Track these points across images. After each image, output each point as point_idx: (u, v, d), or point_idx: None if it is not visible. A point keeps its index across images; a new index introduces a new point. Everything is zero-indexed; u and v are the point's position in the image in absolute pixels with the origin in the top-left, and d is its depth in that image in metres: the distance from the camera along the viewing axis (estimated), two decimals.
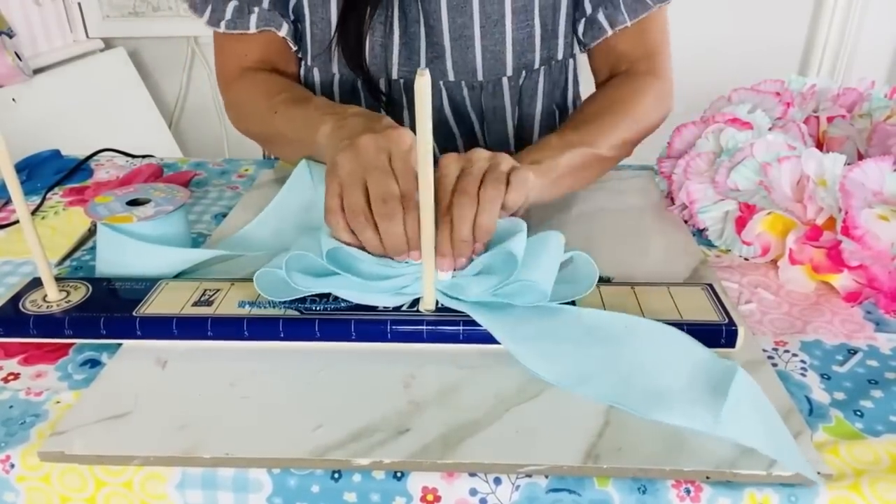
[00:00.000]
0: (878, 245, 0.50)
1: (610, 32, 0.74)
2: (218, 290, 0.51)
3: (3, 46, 1.41)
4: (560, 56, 0.79)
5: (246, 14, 0.72)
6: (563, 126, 0.68)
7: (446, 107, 0.79)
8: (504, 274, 0.48)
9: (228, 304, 0.49)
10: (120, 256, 0.55)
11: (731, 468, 0.38)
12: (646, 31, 0.75)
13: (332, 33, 0.73)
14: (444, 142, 0.82)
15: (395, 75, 0.76)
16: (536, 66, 0.78)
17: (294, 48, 0.76)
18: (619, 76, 0.77)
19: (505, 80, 0.77)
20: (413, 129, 0.76)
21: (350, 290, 0.49)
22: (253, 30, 0.72)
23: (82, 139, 1.39)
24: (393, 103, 0.78)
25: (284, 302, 0.49)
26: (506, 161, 0.54)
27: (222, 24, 0.72)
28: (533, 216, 0.67)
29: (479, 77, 0.76)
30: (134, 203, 0.58)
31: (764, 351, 0.48)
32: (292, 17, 0.75)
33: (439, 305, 0.49)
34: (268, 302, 0.49)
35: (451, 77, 0.76)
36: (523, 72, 0.77)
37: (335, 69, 0.77)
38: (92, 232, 0.66)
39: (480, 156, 0.53)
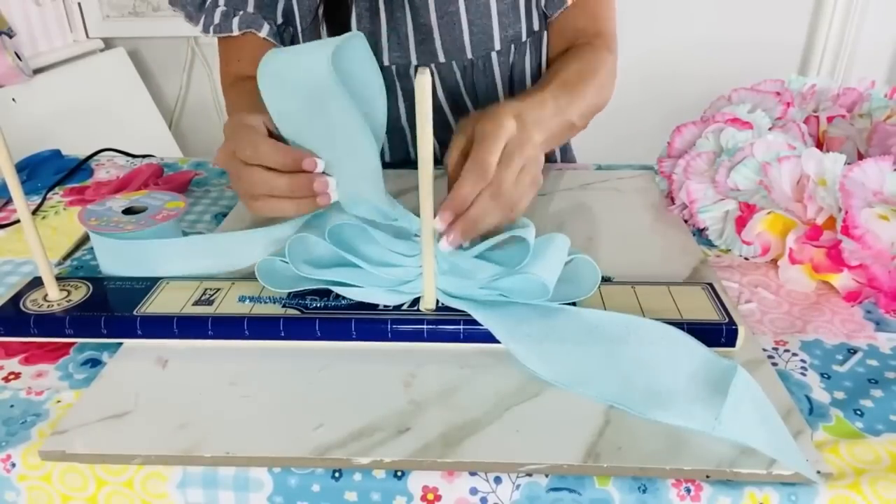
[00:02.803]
0: (878, 244, 0.51)
1: (569, 2, 0.77)
2: (218, 290, 0.51)
3: (3, 46, 1.41)
4: (537, 28, 0.80)
5: (231, 17, 0.75)
6: (552, 84, 0.68)
7: (440, 93, 0.79)
8: (510, 264, 0.48)
9: (229, 304, 0.50)
10: (123, 259, 0.55)
11: (732, 467, 0.38)
12: (599, 8, 0.79)
13: (320, 23, 0.74)
14: (441, 132, 0.82)
15: (386, 62, 0.76)
16: (524, 38, 0.78)
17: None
18: (579, 46, 0.79)
19: (494, 55, 0.78)
20: (410, 116, 0.76)
21: (351, 280, 0.49)
22: (236, 32, 0.75)
23: (82, 139, 1.39)
24: (388, 91, 0.78)
25: (285, 297, 0.49)
26: (533, 167, 0.54)
27: (211, 28, 0.76)
28: (533, 217, 0.67)
29: (469, 55, 0.76)
30: (129, 212, 0.58)
31: (764, 350, 0.48)
32: (281, 20, 0.77)
33: (440, 304, 0.49)
34: (269, 297, 0.49)
35: (442, 58, 0.76)
36: (511, 46, 0.78)
37: None
38: None
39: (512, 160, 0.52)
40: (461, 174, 0.50)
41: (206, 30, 0.76)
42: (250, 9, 0.75)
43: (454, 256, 0.50)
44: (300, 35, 0.77)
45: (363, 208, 0.51)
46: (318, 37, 0.76)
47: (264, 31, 0.75)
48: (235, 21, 0.75)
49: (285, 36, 0.78)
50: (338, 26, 0.74)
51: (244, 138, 0.51)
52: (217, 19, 0.75)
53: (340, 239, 0.50)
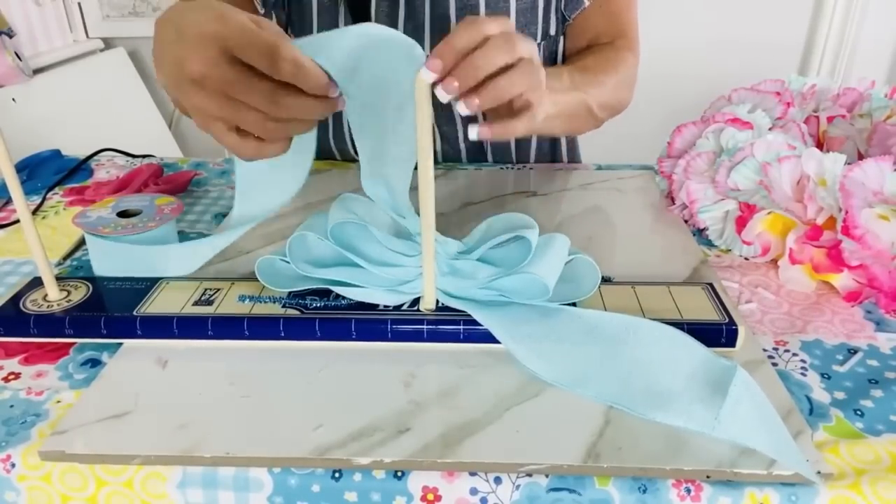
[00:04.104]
0: (879, 245, 0.51)
1: (587, 3, 0.76)
2: (218, 290, 0.51)
3: (3, 46, 1.41)
4: (553, 32, 0.79)
5: None
6: (569, 65, 0.67)
7: None
8: (511, 265, 0.48)
9: (229, 304, 0.50)
10: (117, 263, 0.55)
11: (732, 467, 0.38)
12: (620, 10, 0.78)
13: (338, 5, 0.74)
14: (447, 127, 0.82)
15: None
16: (538, 40, 0.78)
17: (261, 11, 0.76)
18: (600, 45, 0.78)
19: None
20: None
21: (351, 279, 0.49)
22: None
23: (82, 139, 1.39)
24: None
25: (285, 297, 0.49)
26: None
27: None
28: (533, 216, 0.67)
29: None
30: (123, 215, 0.58)
31: (764, 350, 0.48)
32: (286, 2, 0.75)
33: (440, 305, 0.49)
34: (269, 297, 0.49)
35: None
36: None
37: None
38: None
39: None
40: (453, 30, 0.42)
41: None
42: None
43: (455, 260, 0.50)
44: (314, 17, 0.76)
45: (381, 190, 0.50)
46: (336, 20, 0.75)
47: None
48: None
49: (279, 15, 0.76)
50: (357, 11, 0.73)
51: (223, 19, 0.39)
52: None
53: (341, 238, 0.50)
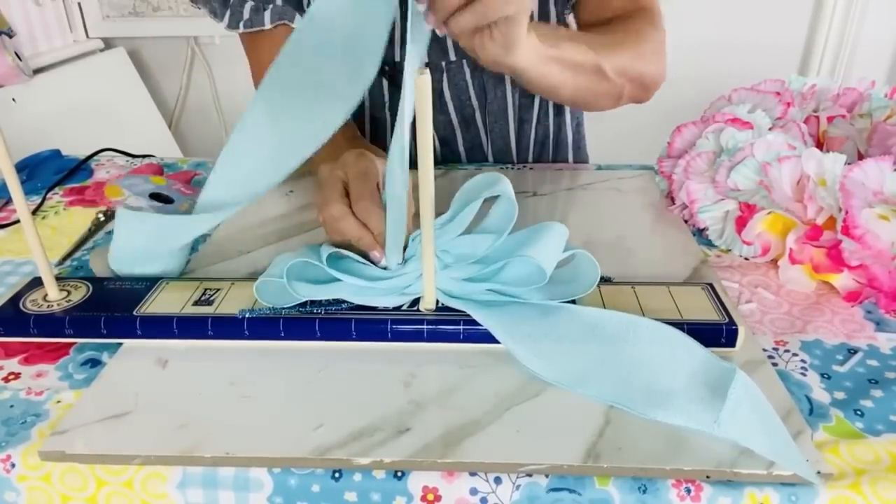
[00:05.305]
0: (879, 244, 0.51)
1: None
2: (218, 290, 0.51)
3: (3, 46, 1.41)
4: (553, 20, 0.77)
5: (261, 11, 0.72)
6: (574, 32, 0.65)
7: (447, 93, 0.78)
8: (499, 228, 0.49)
9: (229, 304, 0.49)
10: (138, 239, 0.54)
11: (732, 467, 0.38)
12: None
13: None
14: (446, 132, 0.82)
15: (397, 57, 0.76)
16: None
17: None
18: (618, 19, 0.75)
19: None
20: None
21: (352, 294, 0.49)
22: (268, 25, 0.71)
23: (82, 139, 1.39)
24: (398, 87, 0.78)
25: (286, 308, 0.49)
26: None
27: (241, 24, 0.72)
28: (534, 217, 0.67)
29: None
30: (156, 198, 0.58)
31: (764, 350, 0.48)
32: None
33: (440, 305, 0.49)
34: (269, 309, 0.49)
35: (453, 56, 0.75)
36: None
37: None
38: (92, 231, 0.66)
39: None
40: None
41: (232, 26, 0.72)
42: (279, 1, 0.72)
43: (446, 241, 0.50)
44: None
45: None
46: None
47: (297, 23, 0.72)
48: (267, 14, 0.71)
49: None
50: None
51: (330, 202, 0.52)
52: (246, 14, 0.72)
53: (339, 266, 0.50)
